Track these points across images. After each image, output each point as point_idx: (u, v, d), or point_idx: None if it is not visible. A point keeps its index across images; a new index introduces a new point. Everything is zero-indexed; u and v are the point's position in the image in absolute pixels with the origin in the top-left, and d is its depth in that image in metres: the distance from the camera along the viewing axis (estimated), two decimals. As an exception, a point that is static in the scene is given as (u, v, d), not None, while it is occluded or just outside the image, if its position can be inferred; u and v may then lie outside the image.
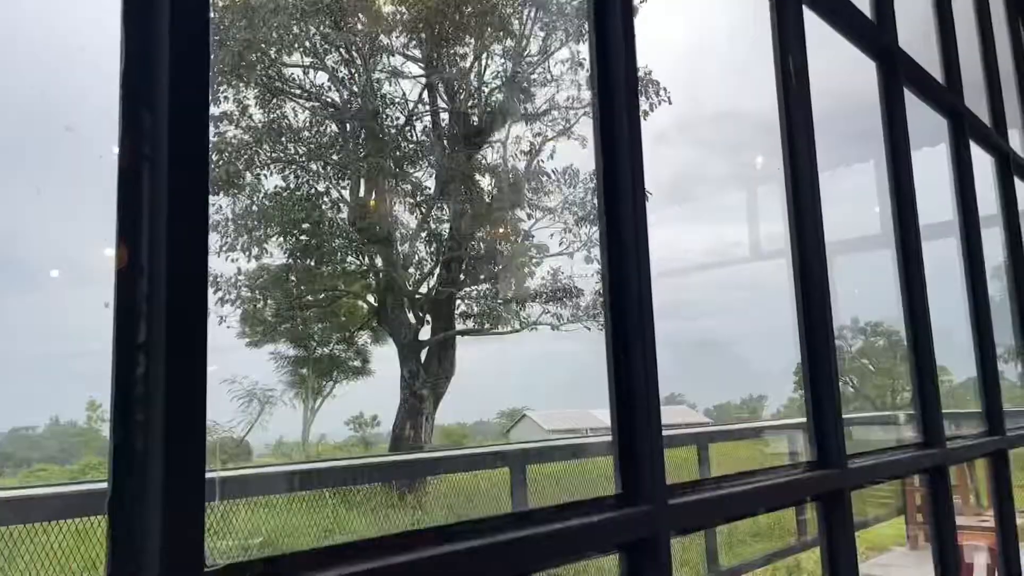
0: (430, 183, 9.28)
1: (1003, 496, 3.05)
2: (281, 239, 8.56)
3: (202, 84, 0.83)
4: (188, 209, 0.80)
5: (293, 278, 9.00)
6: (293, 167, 8.75)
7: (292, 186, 8.79)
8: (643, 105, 9.61)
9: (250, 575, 0.89)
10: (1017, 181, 3.81)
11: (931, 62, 3.12)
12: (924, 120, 3.25)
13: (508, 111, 9.37)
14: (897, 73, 2.59)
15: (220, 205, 8.32)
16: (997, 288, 4.01)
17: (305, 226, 8.68)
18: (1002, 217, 3.65)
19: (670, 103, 9.46)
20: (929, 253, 3.34)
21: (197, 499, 0.79)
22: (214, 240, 8.26)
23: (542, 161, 9.69)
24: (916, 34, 2.98)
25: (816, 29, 2.35)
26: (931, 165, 3.33)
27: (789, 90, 2.04)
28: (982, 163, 3.69)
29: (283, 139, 8.91)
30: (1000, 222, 3.69)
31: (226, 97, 8.36)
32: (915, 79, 2.76)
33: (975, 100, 3.49)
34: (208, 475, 0.82)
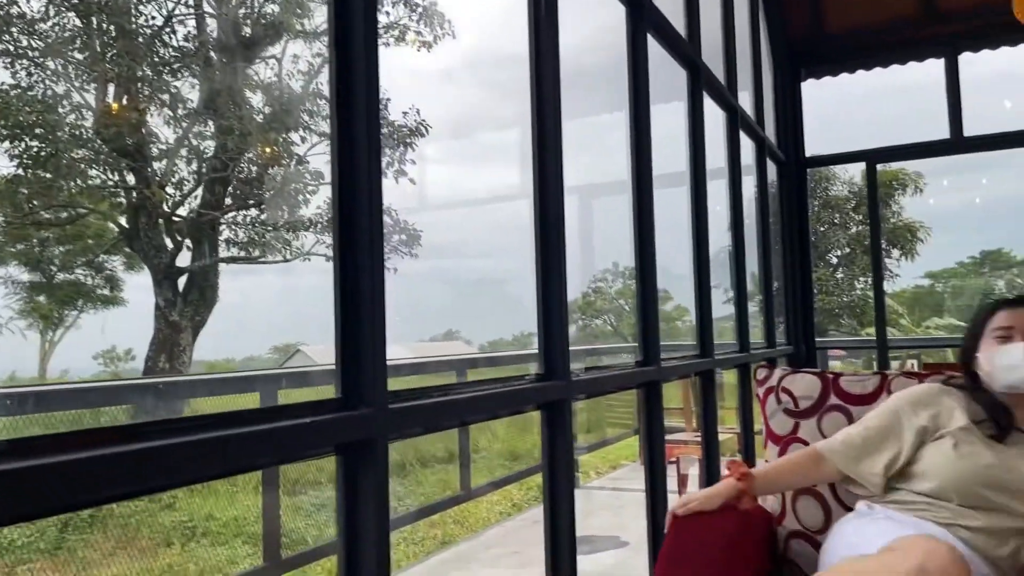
0: (193, 95, 8.49)
1: (708, 409, 3.51)
2: (8, 144, 7.42)
3: None
4: None
5: (24, 191, 7.90)
6: (24, 62, 7.57)
7: (24, 84, 7.64)
8: (427, 36, 9.55)
9: None
10: (743, 136, 4.30)
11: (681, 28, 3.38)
12: (676, 76, 3.54)
13: (284, 26, 8.79)
14: (643, 19, 2.77)
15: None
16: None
17: (38, 131, 7.58)
18: (728, 168, 4.10)
19: (454, 37, 9.42)
20: (675, 200, 3.66)
21: None
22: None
23: (320, 84, 9.25)
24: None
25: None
26: (682, 118, 3.64)
27: (539, 21, 2.11)
28: (718, 118, 4.12)
29: (12, 29, 7.67)
30: (727, 174, 4.15)
31: (-66, -30, 6.99)
32: (659, 28, 2.98)
33: (714, 67, 3.86)
34: None
